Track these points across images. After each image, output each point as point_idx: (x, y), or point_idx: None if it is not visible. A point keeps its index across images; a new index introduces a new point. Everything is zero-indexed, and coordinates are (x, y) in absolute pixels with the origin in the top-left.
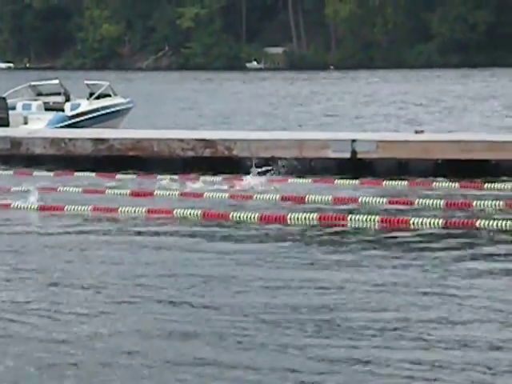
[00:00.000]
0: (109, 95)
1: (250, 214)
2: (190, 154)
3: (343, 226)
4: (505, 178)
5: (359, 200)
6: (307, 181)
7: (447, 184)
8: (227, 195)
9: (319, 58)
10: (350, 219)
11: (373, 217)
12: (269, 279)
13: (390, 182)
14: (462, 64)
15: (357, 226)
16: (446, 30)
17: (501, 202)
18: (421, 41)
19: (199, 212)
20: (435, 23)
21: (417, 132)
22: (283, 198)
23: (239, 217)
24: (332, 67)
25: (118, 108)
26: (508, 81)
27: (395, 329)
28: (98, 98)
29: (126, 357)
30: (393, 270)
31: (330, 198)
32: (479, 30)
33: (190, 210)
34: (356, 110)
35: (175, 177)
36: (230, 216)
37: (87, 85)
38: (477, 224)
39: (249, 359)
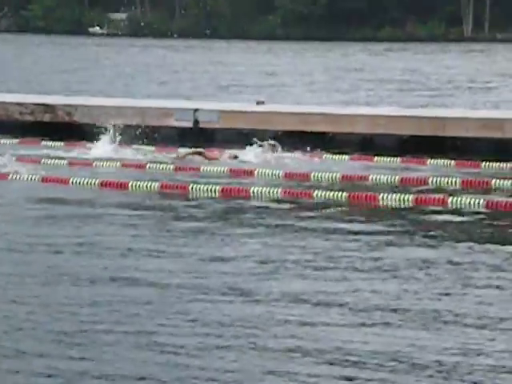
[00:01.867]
0: None
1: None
2: (29, 118)
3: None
4: (341, 150)
5: (201, 169)
6: (151, 148)
7: (289, 155)
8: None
9: (163, 26)
10: (191, 188)
11: (214, 187)
12: None
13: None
14: (303, 37)
15: (198, 196)
16: (289, 3)
17: (338, 175)
18: (264, 13)
19: None
20: None
21: (258, 103)
22: (124, 165)
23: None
24: (175, 35)
25: None
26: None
27: None
28: None
29: None
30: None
31: (172, 167)
32: (320, 3)
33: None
34: (207, 79)
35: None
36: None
37: None
38: (314, 194)
39: None
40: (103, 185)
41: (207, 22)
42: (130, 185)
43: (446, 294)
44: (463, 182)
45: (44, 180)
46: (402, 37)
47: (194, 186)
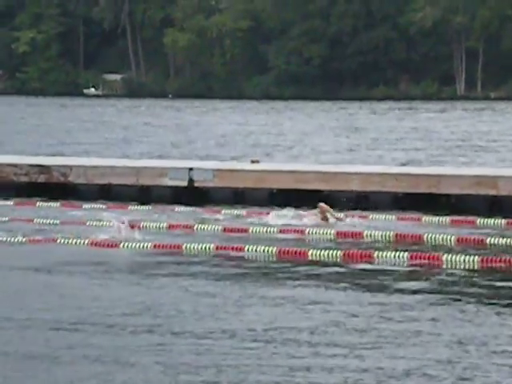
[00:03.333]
0: None
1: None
2: (24, 179)
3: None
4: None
5: (195, 228)
6: (146, 208)
7: (284, 212)
8: None
9: (158, 86)
10: (186, 247)
11: (208, 245)
12: None
13: (229, 210)
14: (296, 96)
15: (193, 253)
16: (282, 63)
17: (332, 231)
18: (258, 72)
19: None
20: (272, 55)
21: (253, 162)
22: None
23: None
24: (170, 95)
25: None
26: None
27: None
28: None
29: None
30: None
31: (165, 224)
32: (313, 64)
33: None
34: (201, 139)
35: None
36: None
37: None
38: (309, 254)
39: None
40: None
41: (202, 82)
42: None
43: None
44: (458, 239)
45: None
46: (395, 96)
47: (188, 245)
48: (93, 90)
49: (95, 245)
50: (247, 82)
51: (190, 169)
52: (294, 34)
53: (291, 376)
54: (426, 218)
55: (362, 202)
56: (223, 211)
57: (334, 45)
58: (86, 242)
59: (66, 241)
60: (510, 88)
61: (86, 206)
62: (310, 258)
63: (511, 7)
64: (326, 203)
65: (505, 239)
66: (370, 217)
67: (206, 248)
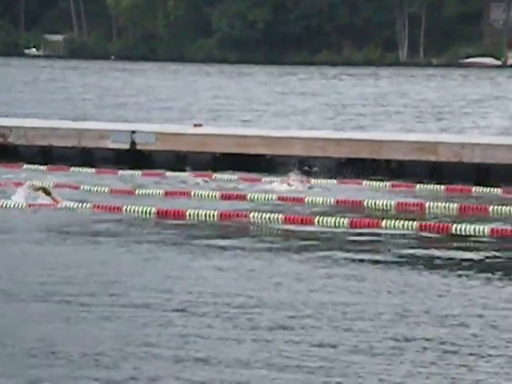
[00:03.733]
0: None
1: None
2: None
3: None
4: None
5: (136, 192)
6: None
7: (226, 176)
8: None
9: (100, 47)
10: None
11: (149, 208)
12: None
13: (172, 173)
14: (240, 60)
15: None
16: (226, 26)
17: (273, 196)
18: (202, 35)
19: None
20: (215, 18)
21: (195, 125)
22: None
23: None
24: (113, 57)
25: None
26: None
27: None
28: None
29: None
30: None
31: (107, 189)
32: (257, 28)
33: None
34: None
35: None
36: None
37: None
38: (250, 216)
39: None
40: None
41: (145, 44)
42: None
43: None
44: (397, 204)
45: None
46: (338, 61)
47: (128, 207)
48: (34, 50)
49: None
50: (191, 44)
51: (133, 132)
52: None
53: (224, 346)
54: (366, 183)
55: (305, 166)
56: (167, 173)
57: (277, 9)
58: (25, 204)
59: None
60: (452, 54)
61: (27, 167)
62: (251, 220)
63: None
64: (268, 167)
65: (443, 204)
66: (312, 181)
67: (146, 211)
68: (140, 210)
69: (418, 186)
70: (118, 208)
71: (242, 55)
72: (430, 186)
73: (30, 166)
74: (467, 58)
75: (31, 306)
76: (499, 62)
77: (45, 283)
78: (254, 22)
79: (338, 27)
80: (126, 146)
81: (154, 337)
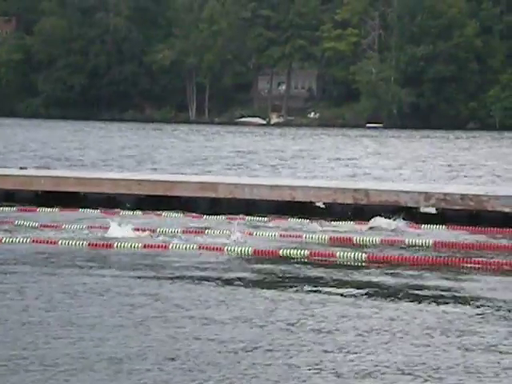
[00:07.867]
0: None
1: None
2: None
3: None
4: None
5: None
6: None
7: (49, 210)
8: None
9: None
10: None
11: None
12: None
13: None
14: (61, 116)
15: None
16: (49, 89)
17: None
18: (29, 96)
19: None
20: (41, 82)
21: (21, 168)
22: None
23: None
24: None
25: None
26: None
27: None
28: None
29: None
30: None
31: None
32: (75, 91)
33: None
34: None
35: None
36: None
37: None
38: (115, 245)
39: None
40: None
41: None
42: None
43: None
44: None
45: None
46: (141, 118)
47: None
48: None
49: None
50: (19, 103)
51: None
52: (59, 65)
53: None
54: (164, 214)
55: (112, 202)
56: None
57: (92, 76)
58: None
59: None
60: (230, 114)
61: None
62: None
63: (230, 53)
64: (83, 203)
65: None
66: (121, 213)
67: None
68: None
69: (204, 216)
70: None
71: (63, 112)
72: (213, 217)
73: None
74: (241, 117)
75: None
76: (264, 122)
77: None
78: (72, 86)
79: (140, 92)
80: None
81: None
